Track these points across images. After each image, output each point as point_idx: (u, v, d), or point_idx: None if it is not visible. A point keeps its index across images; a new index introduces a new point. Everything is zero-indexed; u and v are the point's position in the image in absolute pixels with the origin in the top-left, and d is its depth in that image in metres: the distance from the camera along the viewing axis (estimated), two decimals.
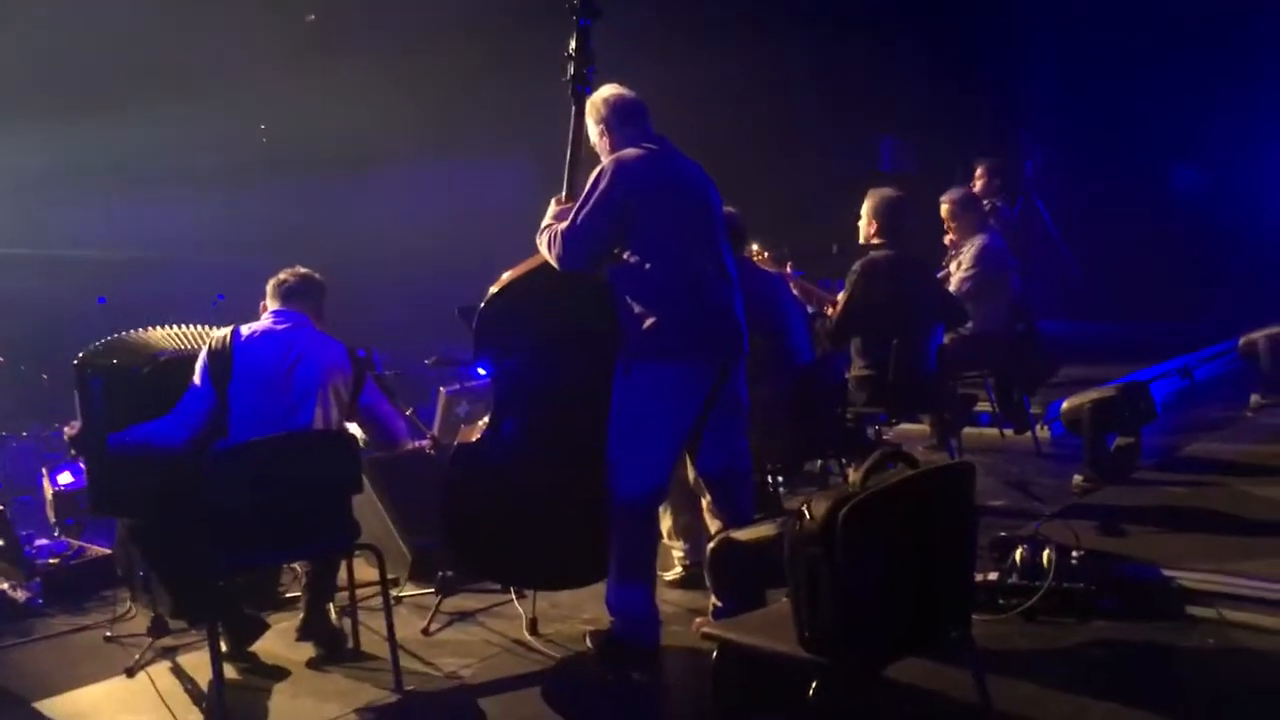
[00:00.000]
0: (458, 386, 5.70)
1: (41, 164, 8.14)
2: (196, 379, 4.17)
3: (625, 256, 3.88)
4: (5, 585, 4.98)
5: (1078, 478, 5.70)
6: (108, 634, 4.61)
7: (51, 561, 5.23)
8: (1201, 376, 8.60)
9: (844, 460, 5.37)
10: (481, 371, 5.60)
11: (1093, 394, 5.81)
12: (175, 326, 4.57)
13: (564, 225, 3.89)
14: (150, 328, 4.57)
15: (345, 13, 9.40)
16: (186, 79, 8.66)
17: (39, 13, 8.03)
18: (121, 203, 8.85)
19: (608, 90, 4.06)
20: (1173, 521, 4.75)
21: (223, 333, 4.25)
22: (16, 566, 5.06)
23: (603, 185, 3.84)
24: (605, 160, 3.93)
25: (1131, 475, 5.65)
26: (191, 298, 7.29)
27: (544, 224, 4.03)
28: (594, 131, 4.08)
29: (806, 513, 2.71)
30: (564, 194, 4.08)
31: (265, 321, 4.29)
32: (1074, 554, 4.17)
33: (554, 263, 3.93)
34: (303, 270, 4.44)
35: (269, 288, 4.40)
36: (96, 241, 8.54)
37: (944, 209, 6.78)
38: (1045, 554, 4.14)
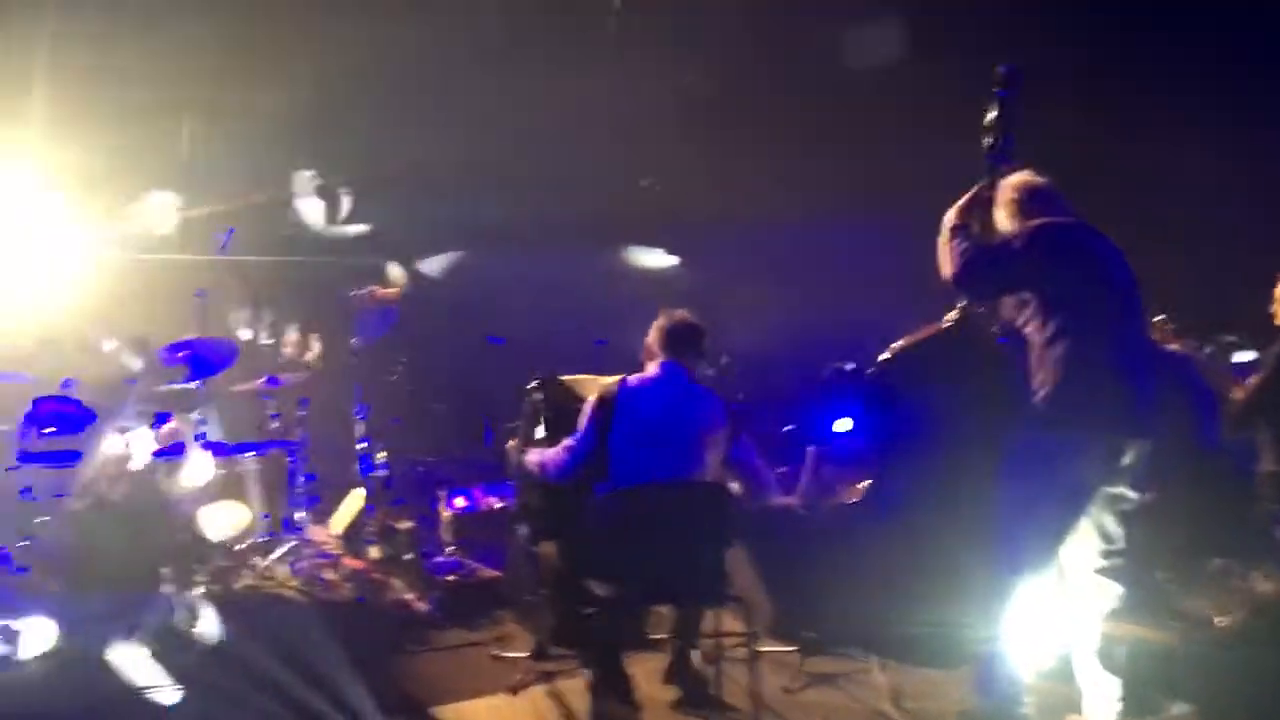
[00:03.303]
0: (827, 446, 5.71)
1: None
2: (582, 423, 4.44)
3: (1029, 325, 3.79)
4: (410, 596, 5.49)
5: None
6: (494, 652, 4.97)
7: (449, 578, 5.71)
8: None
9: (1247, 564, 4.89)
10: (842, 427, 5.54)
11: None
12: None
13: (974, 248, 3.84)
14: (596, 376, 4.92)
15: (725, 82, 9.69)
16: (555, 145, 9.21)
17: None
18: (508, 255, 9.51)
19: (1018, 177, 4.00)
20: None
21: (612, 381, 4.50)
22: (419, 580, 5.59)
23: (1017, 244, 3.80)
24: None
25: None
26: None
27: (950, 222, 3.93)
28: (1004, 215, 4.01)
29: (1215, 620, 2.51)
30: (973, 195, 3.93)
31: (651, 371, 4.49)
32: None
33: (945, 271, 3.87)
34: (687, 318, 4.55)
35: (659, 332, 4.53)
36: (501, 284, 9.20)
37: None
38: None
